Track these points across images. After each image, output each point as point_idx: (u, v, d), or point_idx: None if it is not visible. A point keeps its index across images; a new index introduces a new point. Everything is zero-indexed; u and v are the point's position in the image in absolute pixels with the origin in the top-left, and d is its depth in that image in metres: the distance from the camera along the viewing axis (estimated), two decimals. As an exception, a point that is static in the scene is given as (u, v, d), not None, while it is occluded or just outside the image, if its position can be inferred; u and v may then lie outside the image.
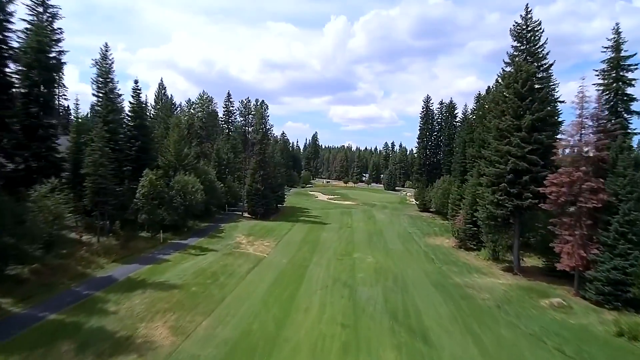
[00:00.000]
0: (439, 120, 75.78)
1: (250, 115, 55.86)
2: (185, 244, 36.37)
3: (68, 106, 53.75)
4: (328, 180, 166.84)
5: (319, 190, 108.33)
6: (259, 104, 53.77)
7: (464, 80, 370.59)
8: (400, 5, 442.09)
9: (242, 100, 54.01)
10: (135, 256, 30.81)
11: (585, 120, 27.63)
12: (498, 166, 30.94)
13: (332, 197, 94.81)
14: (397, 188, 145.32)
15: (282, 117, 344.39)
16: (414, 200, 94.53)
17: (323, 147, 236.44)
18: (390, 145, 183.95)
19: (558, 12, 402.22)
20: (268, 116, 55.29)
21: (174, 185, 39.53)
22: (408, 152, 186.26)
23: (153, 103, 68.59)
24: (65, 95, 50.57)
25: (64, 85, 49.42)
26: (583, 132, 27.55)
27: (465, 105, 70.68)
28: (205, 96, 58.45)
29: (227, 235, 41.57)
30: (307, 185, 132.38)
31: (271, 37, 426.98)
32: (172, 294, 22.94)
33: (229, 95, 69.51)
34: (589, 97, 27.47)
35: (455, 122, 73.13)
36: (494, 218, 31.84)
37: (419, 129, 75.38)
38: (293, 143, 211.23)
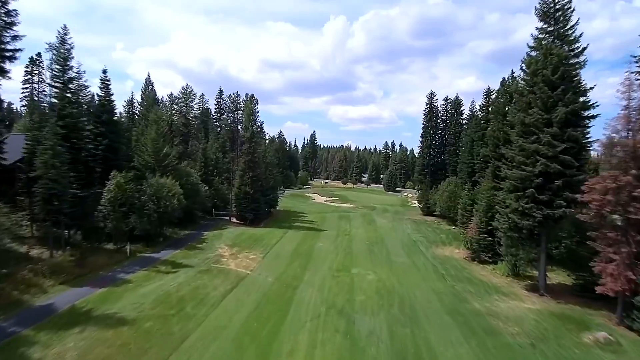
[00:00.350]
0: (443, 117, 70.84)
1: (239, 112, 50.94)
2: (157, 258, 31.38)
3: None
4: (326, 181, 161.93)
5: (317, 192, 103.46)
6: (248, 98, 48.85)
7: (464, 81, 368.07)
8: (399, 5, 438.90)
9: (230, 95, 49.21)
10: (91, 275, 25.80)
11: (633, 113, 22.77)
12: (524, 168, 26.03)
13: (330, 199, 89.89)
14: (397, 189, 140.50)
15: (282, 117, 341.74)
16: (416, 202, 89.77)
17: (322, 147, 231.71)
18: (390, 144, 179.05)
19: None
20: (258, 112, 50.43)
21: (146, 190, 34.55)
22: (408, 152, 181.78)
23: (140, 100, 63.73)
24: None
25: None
26: (631, 126, 22.67)
27: (473, 102, 65.96)
28: (189, 90, 53.48)
29: (208, 246, 36.59)
30: (305, 186, 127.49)
31: (270, 37, 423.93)
32: (118, 332, 17.95)
33: (220, 91, 64.68)
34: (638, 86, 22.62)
35: (462, 119, 68.23)
36: (517, 229, 26.94)
37: (422, 127, 70.54)
38: (290, 143, 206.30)
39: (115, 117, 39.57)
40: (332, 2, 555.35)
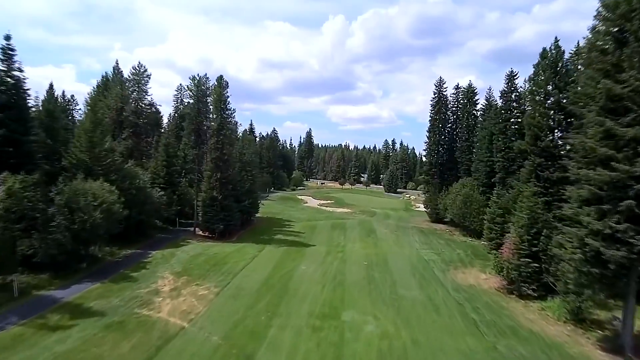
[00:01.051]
0: (454, 109, 61.17)
1: (208, 99, 41.00)
2: (58, 298, 21.52)
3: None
4: (323, 182, 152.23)
5: (311, 194, 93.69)
6: (216, 80, 38.94)
7: (464, 80, 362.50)
8: (399, 3, 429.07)
9: (193, 77, 39.14)
10: None
11: None
12: (617, 166, 16.24)
13: (324, 202, 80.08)
14: (398, 190, 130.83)
15: (281, 117, 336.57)
16: (422, 206, 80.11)
17: (320, 146, 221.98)
18: (390, 143, 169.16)
19: (559, 11, 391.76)
20: (229, 97, 40.44)
21: (54, 198, 24.76)
22: (409, 151, 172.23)
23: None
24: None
25: None
26: None
27: (490, 89, 55.86)
28: (141, 70, 43.21)
29: (147, 274, 26.72)
30: (299, 188, 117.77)
31: (269, 37, 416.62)
32: None
33: (193, 79, 54.59)
34: None
35: (476, 110, 58.52)
36: (600, 263, 17.21)
37: (430, 119, 60.75)
38: (284, 141, 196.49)
39: (31, 103, 29.64)
40: (331, 2, 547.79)
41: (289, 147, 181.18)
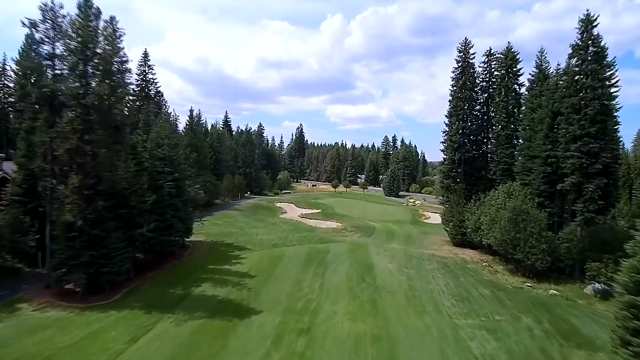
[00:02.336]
0: (484, 84, 43.39)
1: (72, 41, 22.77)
2: None
3: None
4: (314, 183, 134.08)
5: (294, 200, 75.65)
6: (77, 5, 21.14)
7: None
8: (398, 2, 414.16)
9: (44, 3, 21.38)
10: None
11: None
12: None
13: (308, 212, 62.04)
14: (400, 193, 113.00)
15: (280, 117, 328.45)
16: (433, 216, 62.39)
17: (316, 145, 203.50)
18: (391, 139, 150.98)
19: (559, 9, 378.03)
20: (120, 37, 22.61)
21: None
22: (412, 148, 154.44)
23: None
24: None
25: None
26: None
27: (542, 52, 37.34)
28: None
29: None
30: (284, 191, 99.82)
31: (267, 36, 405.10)
32: None
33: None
34: None
35: (518, 84, 40.58)
36: None
37: (451, 99, 42.73)
38: (272, 139, 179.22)
39: None
40: (330, 0, 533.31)
41: (277, 146, 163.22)
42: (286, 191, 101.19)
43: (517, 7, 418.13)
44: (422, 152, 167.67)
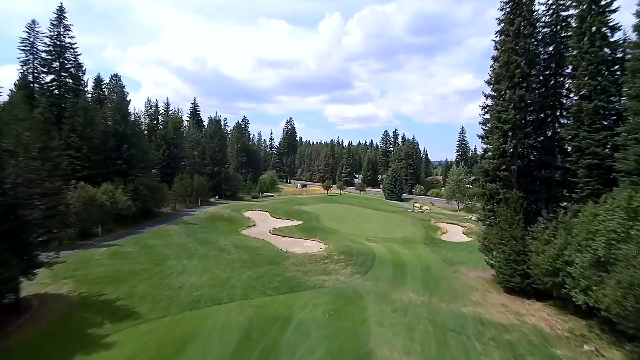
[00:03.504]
0: (549, 31, 27.41)
1: None
2: None
3: None
4: (304, 184, 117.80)
5: (273, 206, 59.54)
6: None
7: (461, 79, 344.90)
8: (396, 0, 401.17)
9: None
10: None
11: None
12: None
13: (285, 224, 45.98)
14: (403, 196, 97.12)
15: (278, 117, 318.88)
16: (457, 231, 45.87)
17: (311, 142, 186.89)
18: (391, 134, 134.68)
19: None
20: None
21: None
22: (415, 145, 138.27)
23: None
24: None
25: None
26: None
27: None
28: None
29: None
30: (266, 194, 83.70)
31: (265, 35, 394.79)
32: None
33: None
34: None
35: (610, 24, 24.62)
36: None
37: (496, 56, 26.60)
38: (258, 134, 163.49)
39: None
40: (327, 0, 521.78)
41: (268, 144, 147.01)
42: (269, 194, 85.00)
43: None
44: (424, 150, 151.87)
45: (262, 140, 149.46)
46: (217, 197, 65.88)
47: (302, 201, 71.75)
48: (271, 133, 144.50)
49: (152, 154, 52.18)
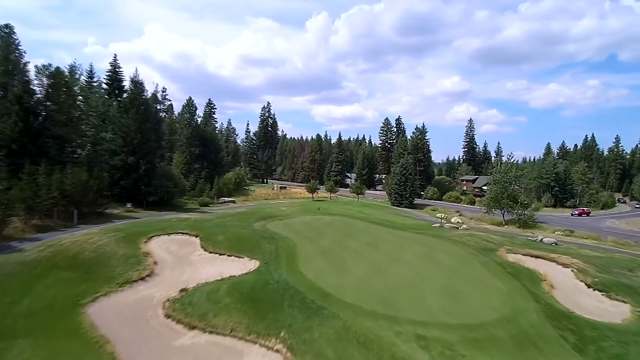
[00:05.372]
0: None
1: None
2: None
3: None
4: (284, 185, 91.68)
5: (217, 225, 34.01)
6: None
7: (449, 80, 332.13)
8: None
9: None
10: None
11: None
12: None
13: (217, 272, 20.56)
14: (415, 202, 72.61)
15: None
16: (587, 286, 21.25)
17: (297, 139, 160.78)
18: (394, 123, 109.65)
19: (548, 9, 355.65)
20: None
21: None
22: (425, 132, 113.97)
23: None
24: None
25: None
26: None
27: None
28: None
29: None
30: (225, 199, 57.69)
31: (251, 33, 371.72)
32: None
33: None
34: None
35: None
36: None
37: None
38: (222, 124, 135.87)
39: None
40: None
41: (244, 137, 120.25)
42: (229, 199, 59.02)
43: (507, 7, 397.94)
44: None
45: (233, 129, 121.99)
46: (130, 205, 39.65)
47: (275, 212, 46.17)
48: (247, 125, 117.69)
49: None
